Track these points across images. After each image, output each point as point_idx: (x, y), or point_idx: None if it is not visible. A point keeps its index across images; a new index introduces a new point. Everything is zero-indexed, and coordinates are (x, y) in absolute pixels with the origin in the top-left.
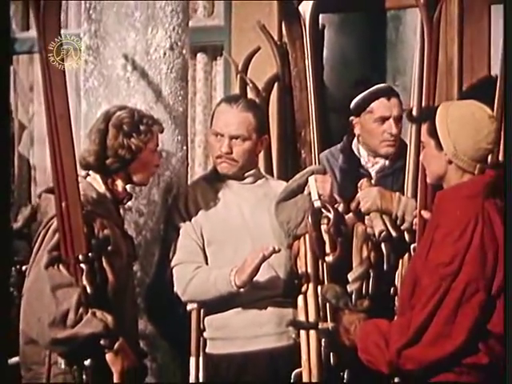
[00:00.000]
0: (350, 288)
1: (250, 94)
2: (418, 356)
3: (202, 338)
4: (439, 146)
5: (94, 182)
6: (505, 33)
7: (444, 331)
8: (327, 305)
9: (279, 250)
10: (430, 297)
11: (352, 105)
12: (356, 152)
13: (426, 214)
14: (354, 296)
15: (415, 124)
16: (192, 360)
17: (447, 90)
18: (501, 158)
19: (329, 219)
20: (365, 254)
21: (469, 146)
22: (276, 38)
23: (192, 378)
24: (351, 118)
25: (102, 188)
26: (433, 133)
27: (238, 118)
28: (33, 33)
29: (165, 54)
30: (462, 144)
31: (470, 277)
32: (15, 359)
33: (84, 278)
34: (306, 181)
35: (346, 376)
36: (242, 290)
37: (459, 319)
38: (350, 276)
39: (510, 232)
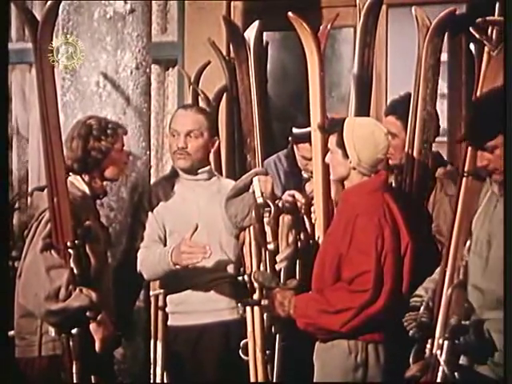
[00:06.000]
0: (277, 267)
1: (202, 104)
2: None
3: (160, 322)
4: (346, 156)
5: (76, 182)
6: (505, 35)
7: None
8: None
9: (197, 228)
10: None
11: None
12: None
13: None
14: (282, 275)
15: (325, 134)
16: (152, 341)
17: (376, 101)
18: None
19: (270, 213)
20: (290, 239)
21: (369, 157)
22: (225, 53)
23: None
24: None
25: (82, 186)
26: (340, 144)
27: (192, 118)
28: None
29: (131, 72)
30: (364, 156)
31: (392, 242)
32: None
33: (72, 261)
34: (251, 181)
35: (277, 339)
36: (177, 266)
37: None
38: (278, 257)
39: (510, 231)
